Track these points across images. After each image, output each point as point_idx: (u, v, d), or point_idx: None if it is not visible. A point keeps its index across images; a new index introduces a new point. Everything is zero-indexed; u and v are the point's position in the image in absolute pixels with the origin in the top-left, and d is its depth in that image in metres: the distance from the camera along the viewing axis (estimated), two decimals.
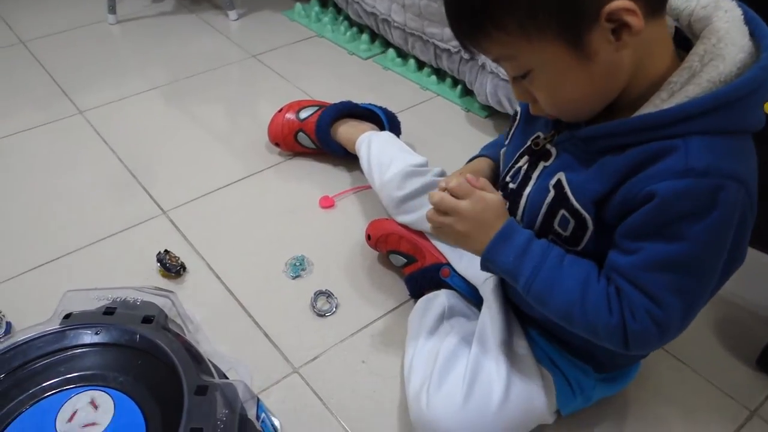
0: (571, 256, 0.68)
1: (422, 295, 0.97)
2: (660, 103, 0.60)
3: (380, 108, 1.34)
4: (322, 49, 1.80)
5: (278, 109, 1.36)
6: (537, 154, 0.72)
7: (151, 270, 1.09)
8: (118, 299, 0.82)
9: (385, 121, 1.31)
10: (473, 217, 0.71)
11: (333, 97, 1.37)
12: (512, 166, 0.76)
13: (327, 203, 1.25)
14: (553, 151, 0.70)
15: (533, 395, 0.79)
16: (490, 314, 0.84)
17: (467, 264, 0.94)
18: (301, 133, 1.32)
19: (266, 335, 1.00)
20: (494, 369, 0.79)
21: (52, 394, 0.72)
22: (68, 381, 0.73)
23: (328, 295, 1.05)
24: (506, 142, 0.82)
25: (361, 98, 1.37)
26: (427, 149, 1.23)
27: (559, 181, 0.67)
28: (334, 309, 1.03)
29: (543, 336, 0.82)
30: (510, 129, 0.82)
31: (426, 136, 1.41)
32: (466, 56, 1.48)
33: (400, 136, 1.32)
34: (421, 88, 1.62)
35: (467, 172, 0.78)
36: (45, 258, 1.12)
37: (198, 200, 1.26)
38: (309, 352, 0.97)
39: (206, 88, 1.62)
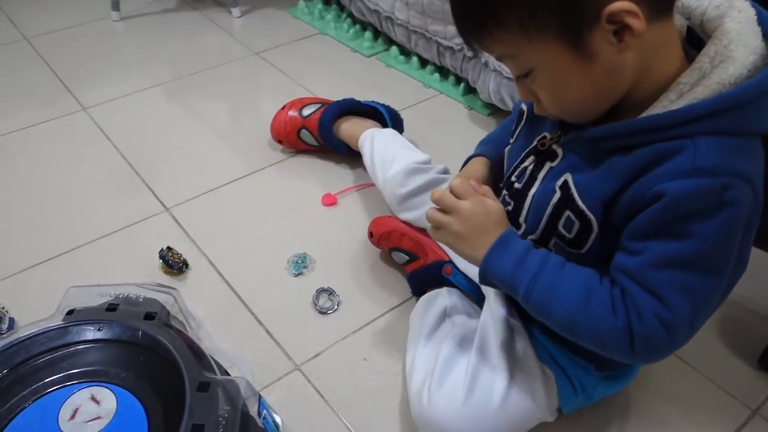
0: (571, 264, 0.67)
1: (424, 292, 0.97)
2: (668, 104, 0.60)
3: (383, 105, 1.34)
4: (325, 47, 1.80)
5: (281, 106, 1.36)
6: (543, 155, 0.72)
7: (153, 267, 1.09)
8: (120, 296, 0.83)
9: (388, 118, 1.31)
10: (472, 219, 0.71)
11: (336, 95, 1.37)
12: (517, 166, 0.76)
13: (329, 200, 1.25)
14: (560, 151, 0.70)
15: (534, 393, 0.79)
16: (492, 312, 0.84)
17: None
18: (303, 131, 1.32)
19: (268, 332, 1.00)
20: (496, 367, 0.79)
21: (55, 389, 0.72)
22: (71, 377, 0.73)
23: (330, 292, 1.05)
24: (511, 141, 0.81)
25: (363, 96, 1.37)
26: (430, 147, 1.23)
27: (565, 182, 0.67)
28: (336, 306, 1.04)
29: (545, 334, 0.82)
30: (515, 128, 0.81)
31: (428, 133, 1.41)
32: (469, 54, 1.48)
33: (403, 133, 1.32)
34: (423, 85, 1.62)
35: (466, 175, 0.78)
36: (48, 254, 1.12)
37: (201, 197, 1.26)
38: (311, 350, 0.97)
39: (209, 86, 1.62)
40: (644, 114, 0.61)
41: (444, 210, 0.73)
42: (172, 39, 1.83)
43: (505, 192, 0.77)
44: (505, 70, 1.35)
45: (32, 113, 1.49)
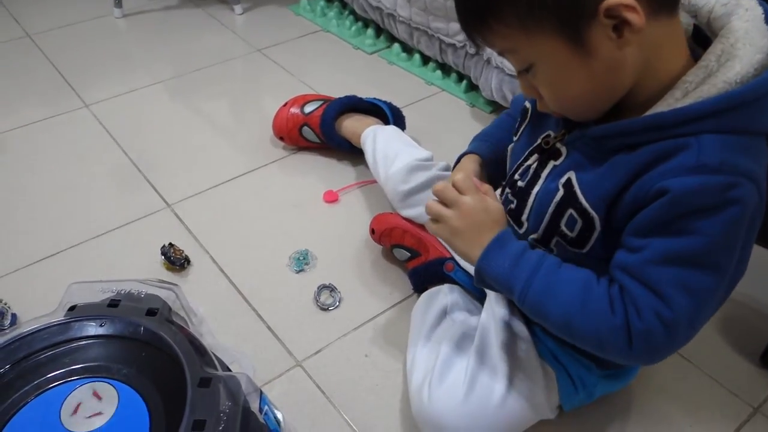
0: (568, 264, 0.67)
1: (426, 289, 0.97)
2: (673, 102, 0.59)
3: (385, 102, 1.34)
4: (327, 44, 1.80)
5: (283, 103, 1.36)
6: (547, 153, 0.72)
7: (155, 263, 1.10)
8: (122, 291, 0.83)
9: (390, 115, 1.31)
10: (472, 215, 0.71)
11: (338, 92, 1.37)
12: (521, 164, 0.75)
13: (331, 197, 1.25)
14: (564, 150, 0.70)
15: (535, 390, 0.79)
16: (493, 309, 0.84)
17: None
18: (305, 128, 1.32)
19: (269, 328, 1.00)
20: (496, 364, 0.79)
21: (57, 385, 0.72)
22: (73, 372, 0.73)
23: (331, 289, 1.05)
24: (515, 139, 0.81)
25: (365, 93, 1.37)
26: (432, 144, 1.23)
27: (569, 179, 0.67)
28: (338, 303, 1.04)
29: (546, 332, 0.82)
30: (519, 126, 0.81)
31: (430, 131, 1.41)
32: (471, 51, 1.48)
33: (405, 130, 1.31)
34: (426, 82, 1.62)
35: (460, 173, 0.78)
36: (50, 250, 1.13)
37: (202, 194, 1.26)
38: (312, 346, 0.97)
39: (211, 83, 1.62)
40: (649, 112, 0.61)
41: (445, 203, 0.73)
42: (175, 36, 1.83)
43: (508, 190, 0.77)
44: (508, 67, 1.35)
45: (35, 110, 1.49)
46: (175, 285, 0.87)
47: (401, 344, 0.94)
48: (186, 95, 1.57)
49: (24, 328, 0.76)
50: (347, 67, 1.69)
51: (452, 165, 0.88)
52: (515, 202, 0.75)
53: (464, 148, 0.89)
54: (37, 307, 0.83)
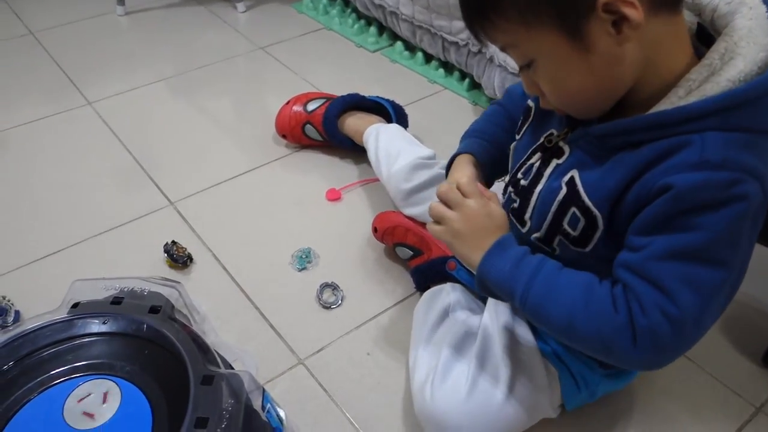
0: (569, 268, 0.66)
1: (428, 288, 0.97)
2: (677, 100, 0.59)
3: (387, 101, 1.34)
4: (329, 42, 1.80)
5: (286, 101, 1.36)
6: (550, 152, 0.71)
7: (158, 260, 1.10)
8: (125, 289, 0.83)
9: (393, 113, 1.31)
10: (475, 219, 0.71)
11: (340, 90, 1.37)
12: (524, 163, 0.75)
13: (334, 196, 1.25)
14: (566, 148, 0.69)
15: (537, 389, 0.79)
16: (496, 308, 0.84)
17: None
18: (308, 126, 1.32)
19: (272, 326, 1.00)
20: (499, 363, 0.79)
21: (60, 382, 0.72)
22: (76, 369, 0.73)
23: (333, 287, 1.06)
24: (518, 137, 0.81)
25: (368, 91, 1.37)
26: (434, 142, 1.23)
27: (572, 178, 0.67)
28: (340, 301, 1.04)
29: None
30: (521, 125, 0.81)
31: (433, 129, 1.41)
32: (474, 49, 1.48)
33: (408, 129, 1.31)
34: (428, 81, 1.61)
35: (456, 177, 0.78)
36: (53, 248, 1.13)
37: (205, 192, 1.26)
38: (314, 344, 0.97)
39: (214, 80, 1.62)
40: (652, 110, 0.60)
41: (448, 206, 0.73)
42: (177, 34, 1.83)
43: (510, 189, 0.77)
44: (510, 65, 1.34)
45: (37, 107, 1.50)
46: (178, 282, 0.87)
47: (403, 343, 0.94)
48: (188, 93, 1.57)
49: (27, 325, 0.76)
50: (350, 65, 1.69)
51: (446, 165, 0.88)
52: (518, 201, 0.75)
53: None
54: (41, 304, 0.83)
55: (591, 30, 0.58)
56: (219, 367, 0.74)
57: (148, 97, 1.55)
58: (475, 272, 0.71)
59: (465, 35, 1.48)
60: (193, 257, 1.10)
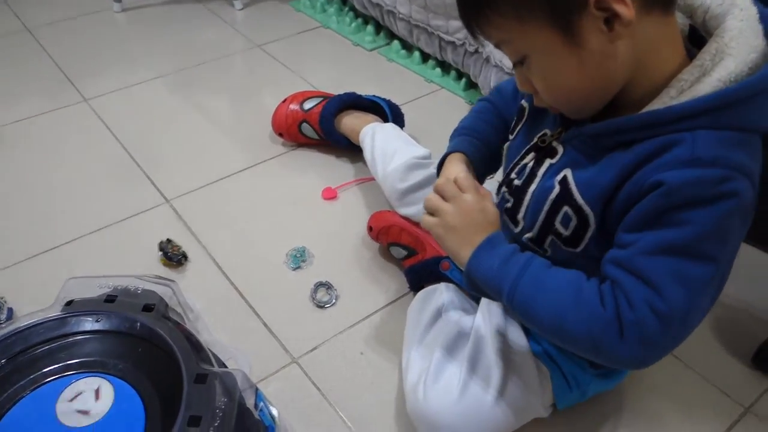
0: (557, 267, 0.66)
1: (422, 287, 0.97)
2: (669, 100, 0.60)
3: (384, 100, 1.34)
4: (326, 40, 1.80)
5: (282, 99, 1.36)
6: (543, 152, 0.72)
7: (152, 258, 1.10)
8: (119, 287, 0.83)
9: (389, 113, 1.31)
10: (469, 213, 0.71)
11: (337, 89, 1.37)
12: (517, 163, 0.76)
13: (329, 195, 1.25)
14: (560, 148, 0.70)
15: (529, 390, 0.79)
16: (489, 308, 0.84)
17: None
18: (304, 124, 1.32)
19: (266, 325, 1.00)
20: (491, 363, 0.79)
21: (53, 379, 0.72)
22: (69, 367, 0.74)
23: (328, 286, 1.06)
24: (511, 137, 0.81)
25: (365, 90, 1.37)
26: (431, 142, 1.23)
27: (565, 177, 0.67)
28: (334, 300, 1.04)
29: None
30: (515, 125, 0.81)
31: (429, 128, 1.41)
32: (470, 49, 1.48)
33: (404, 128, 1.32)
34: (425, 80, 1.62)
35: (447, 175, 0.78)
36: (47, 245, 1.13)
37: (201, 189, 1.26)
38: (308, 343, 0.98)
39: (211, 78, 1.62)
40: (644, 110, 0.61)
41: (444, 198, 0.73)
42: (174, 31, 1.83)
43: (504, 189, 0.77)
44: (507, 65, 1.35)
45: (34, 104, 1.50)
46: (172, 281, 0.87)
47: (397, 342, 0.94)
48: (185, 90, 1.57)
49: (21, 323, 0.76)
50: (347, 64, 1.69)
51: (437, 164, 0.88)
52: (512, 200, 0.75)
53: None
54: (34, 302, 0.83)
55: (583, 27, 0.58)
56: (212, 365, 0.74)
57: (144, 94, 1.55)
58: (463, 268, 0.71)
59: (462, 35, 1.48)
60: (188, 255, 1.11)
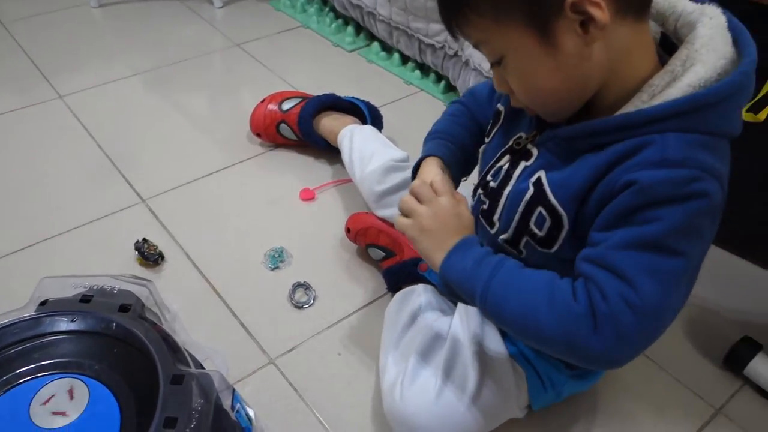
0: (530, 268, 0.67)
1: (400, 289, 0.98)
2: (640, 104, 0.61)
3: (363, 101, 1.34)
4: (306, 40, 1.80)
5: (261, 99, 1.35)
6: (518, 154, 0.73)
7: (129, 258, 1.09)
8: (94, 287, 0.82)
9: (368, 114, 1.32)
10: (444, 217, 0.72)
11: (316, 89, 1.37)
12: (493, 165, 0.77)
13: (307, 195, 1.25)
14: (535, 151, 0.71)
15: (505, 392, 0.80)
16: (467, 310, 0.85)
17: None
18: (283, 125, 1.32)
19: (243, 326, 1.00)
20: (468, 364, 0.80)
21: (27, 380, 0.71)
22: (43, 368, 0.73)
23: (306, 287, 1.06)
24: (487, 140, 0.82)
25: (344, 91, 1.37)
26: (409, 144, 1.23)
27: (539, 178, 0.68)
28: (312, 301, 1.04)
29: None
30: (491, 128, 0.82)
31: (408, 131, 1.41)
32: (450, 52, 1.49)
33: (382, 130, 1.32)
34: (404, 82, 1.62)
35: (423, 179, 0.79)
36: (21, 244, 1.11)
37: (178, 189, 1.25)
38: (285, 344, 0.98)
39: (189, 76, 1.61)
40: (617, 113, 0.62)
41: (420, 201, 0.74)
42: (152, 28, 1.81)
43: (480, 191, 0.78)
44: (485, 68, 1.36)
45: (6, 100, 1.47)
46: (149, 281, 0.86)
47: (374, 343, 0.95)
48: (162, 89, 1.55)
49: None
50: (326, 65, 1.69)
51: (413, 167, 0.88)
52: (487, 202, 0.76)
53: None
54: (8, 302, 0.81)
55: (559, 29, 0.59)
56: (189, 366, 0.74)
57: (120, 91, 1.53)
58: (436, 271, 0.72)
59: (442, 38, 1.49)
60: (165, 255, 1.10)
